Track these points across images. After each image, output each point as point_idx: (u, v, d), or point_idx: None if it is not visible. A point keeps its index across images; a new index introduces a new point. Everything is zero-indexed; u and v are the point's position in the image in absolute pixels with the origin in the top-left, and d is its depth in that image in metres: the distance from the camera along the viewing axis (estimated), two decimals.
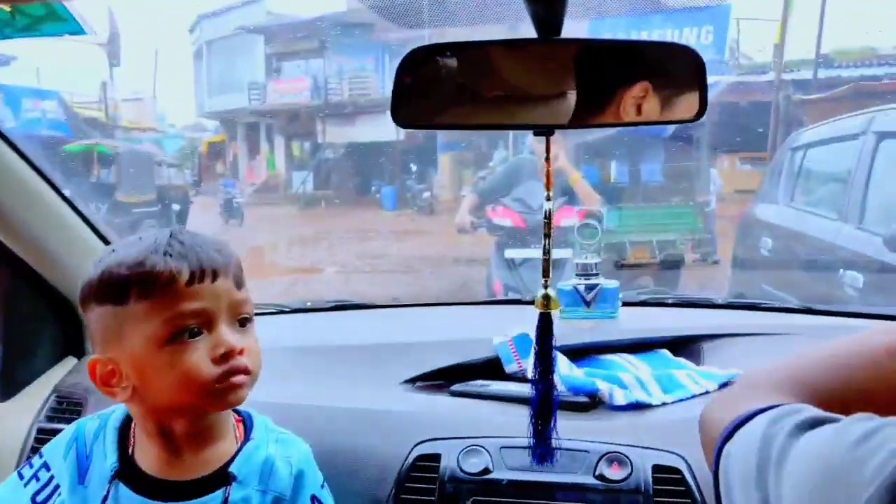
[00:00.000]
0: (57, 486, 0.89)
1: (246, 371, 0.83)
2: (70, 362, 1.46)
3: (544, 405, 0.94)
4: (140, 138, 14.57)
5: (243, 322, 0.85)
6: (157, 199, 10.00)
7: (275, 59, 17.77)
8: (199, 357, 0.80)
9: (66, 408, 1.33)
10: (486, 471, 1.05)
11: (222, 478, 0.87)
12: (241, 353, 0.82)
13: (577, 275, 1.45)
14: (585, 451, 1.04)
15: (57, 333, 1.46)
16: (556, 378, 1.20)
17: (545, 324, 0.95)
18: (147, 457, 0.88)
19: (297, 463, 0.93)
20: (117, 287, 0.81)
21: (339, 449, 1.13)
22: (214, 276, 0.82)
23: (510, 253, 4.15)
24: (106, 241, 1.45)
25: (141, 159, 10.60)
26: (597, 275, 1.44)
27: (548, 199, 0.90)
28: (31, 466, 0.92)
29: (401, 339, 1.43)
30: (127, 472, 0.87)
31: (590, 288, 1.42)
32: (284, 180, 17.63)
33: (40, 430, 1.30)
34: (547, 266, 0.92)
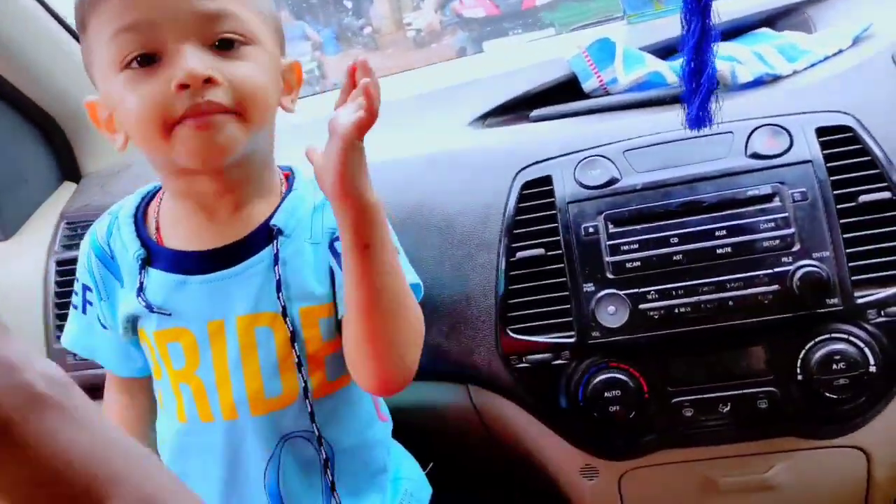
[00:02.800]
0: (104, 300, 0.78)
1: (221, 108, 0.63)
2: (69, 187, 1.23)
3: (700, 44, 0.71)
4: None
5: (226, 44, 0.65)
6: None
7: None
8: (151, 90, 0.62)
9: (80, 233, 1.12)
10: (614, 180, 0.87)
11: (267, 235, 0.72)
12: (209, 82, 0.62)
13: None
14: (728, 133, 0.86)
15: (48, 158, 1.23)
16: (663, 65, 1.02)
17: None
18: (177, 231, 0.74)
19: None
20: (77, 12, 0.68)
21: (425, 200, 0.95)
22: None
23: (489, 46, 3.85)
24: None
25: None
26: None
27: None
28: (78, 294, 0.81)
29: (457, 80, 1.20)
30: (157, 255, 0.73)
31: None
32: None
33: (60, 262, 1.10)
34: None
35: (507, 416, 0.91)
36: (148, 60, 0.63)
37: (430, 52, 5.92)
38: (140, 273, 0.73)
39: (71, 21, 1.17)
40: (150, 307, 0.72)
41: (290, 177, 0.79)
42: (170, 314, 0.72)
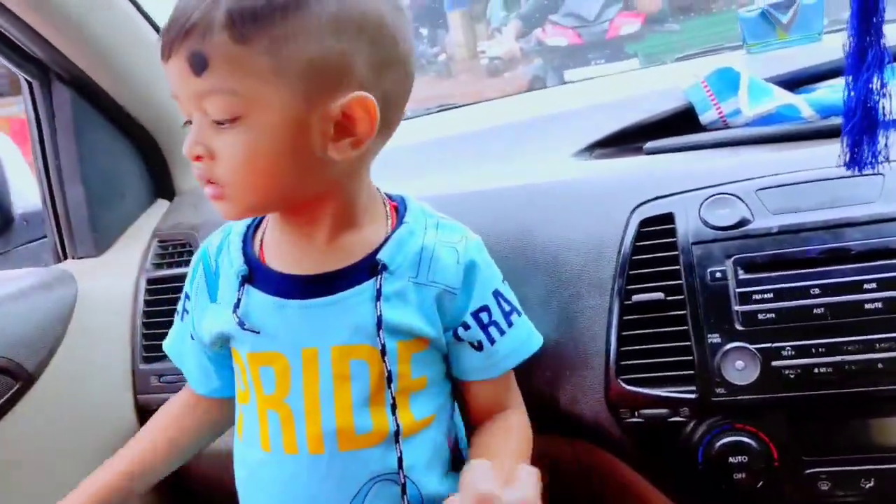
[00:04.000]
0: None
1: (210, 181, 0.64)
2: (162, 206, 1.22)
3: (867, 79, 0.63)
4: None
5: (220, 122, 0.61)
6: None
7: None
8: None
9: (172, 251, 1.11)
10: (745, 221, 0.80)
11: (370, 268, 0.69)
12: (198, 159, 0.63)
13: None
14: (879, 175, 0.77)
15: (144, 176, 1.22)
16: (796, 98, 0.94)
17: None
18: (279, 254, 0.72)
19: (466, 251, 0.72)
20: None
21: (529, 236, 0.89)
22: (167, 54, 0.61)
23: (571, 75, 3.80)
24: None
25: None
26: None
27: None
28: (181, 302, 0.81)
29: (558, 109, 1.15)
30: (258, 275, 0.72)
31: (784, 7, 1.10)
32: None
33: (150, 280, 1.09)
34: None
35: (615, 474, 0.83)
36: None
37: (503, 81, 5.91)
38: (239, 290, 0.71)
39: None
40: (241, 324, 0.70)
41: (398, 207, 0.75)
42: (258, 332, 0.70)
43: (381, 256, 0.69)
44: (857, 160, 0.64)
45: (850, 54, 0.65)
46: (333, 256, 0.70)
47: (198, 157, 0.63)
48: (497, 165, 1.06)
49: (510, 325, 0.74)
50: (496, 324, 0.73)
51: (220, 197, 0.64)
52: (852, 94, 0.65)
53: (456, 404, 0.79)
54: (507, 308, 0.74)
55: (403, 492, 0.69)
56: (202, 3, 0.58)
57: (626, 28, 3.41)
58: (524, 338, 0.76)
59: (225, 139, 0.61)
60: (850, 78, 0.64)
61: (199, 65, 0.59)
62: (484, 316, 0.72)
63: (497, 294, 0.74)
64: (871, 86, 0.63)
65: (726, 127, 1.00)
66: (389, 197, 0.76)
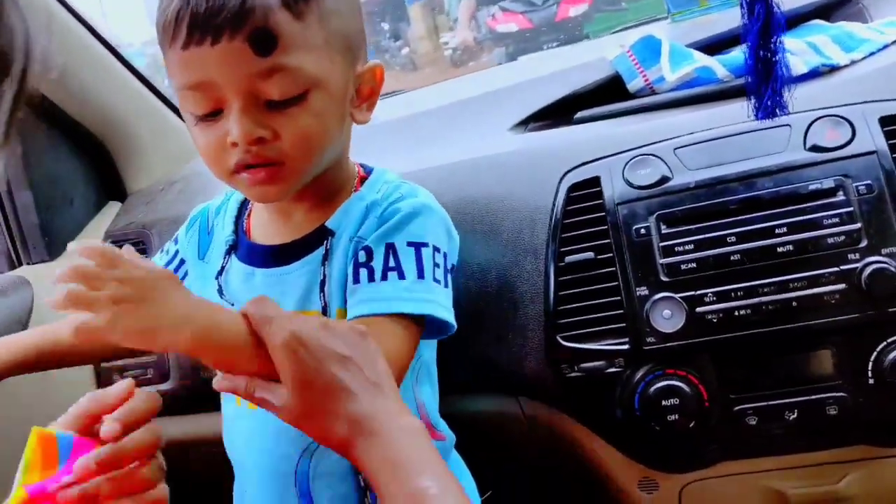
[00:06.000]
0: (182, 261, 0.83)
1: (269, 161, 0.64)
2: (114, 207, 1.24)
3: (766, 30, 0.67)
4: None
5: (278, 101, 0.63)
6: None
7: None
8: (211, 140, 0.65)
9: None
10: (665, 179, 0.84)
11: (321, 234, 0.73)
12: (258, 142, 0.63)
13: None
14: (786, 126, 0.82)
15: (93, 179, 1.24)
16: (712, 60, 0.99)
17: None
18: (259, 225, 0.78)
19: (391, 203, 0.73)
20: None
21: (467, 207, 0.93)
22: (216, 37, 0.59)
23: (523, 59, 3.83)
24: (141, 77, 1.22)
25: None
26: None
27: None
28: (168, 244, 0.87)
29: (494, 87, 1.18)
30: (241, 246, 0.77)
31: None
32: None
33: None
34: None
35: (560, 427, 0.88)
36: (212, 114, 0.65)
37: (468, 70, 5.94)
38: (224, 258, 0.77)
39: (113, 40, 1.19)
40: (220, 291, 0.75)
41: (365, 178, 0.78)
42: (233, 304, 0.73)
43: (328, 223, 0.73)
44: (767, 109, 0.68)
45: (746, 19, 0.70)
46: (302, 228, 0.74)
47: (259, 140, 0.63)
48: (437, 143, 1.09)
49: (384, 278, 0.68)
50: (371, 269, 0.69)
51: (274, 178, 0.65)
52: (755, 53, 0.69)
53: (429, 381, 0.80)
54: (392, 264, 0.69)
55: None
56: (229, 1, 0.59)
57: (575, 10, 3.44)
58: (385, 297, 0.68)
59: (287, 116, 0.63)
60: (749, 38, 0.69)
61: (267, 43, 0.60)
62: (362, 255, 0.70)
63: (390, 247, 0.70)
64: (772, 43, 0.68)
65: (653, 93, 1.04)
66: (363, 167, 0.79)
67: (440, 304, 0.70)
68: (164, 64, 0.66)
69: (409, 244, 0.70)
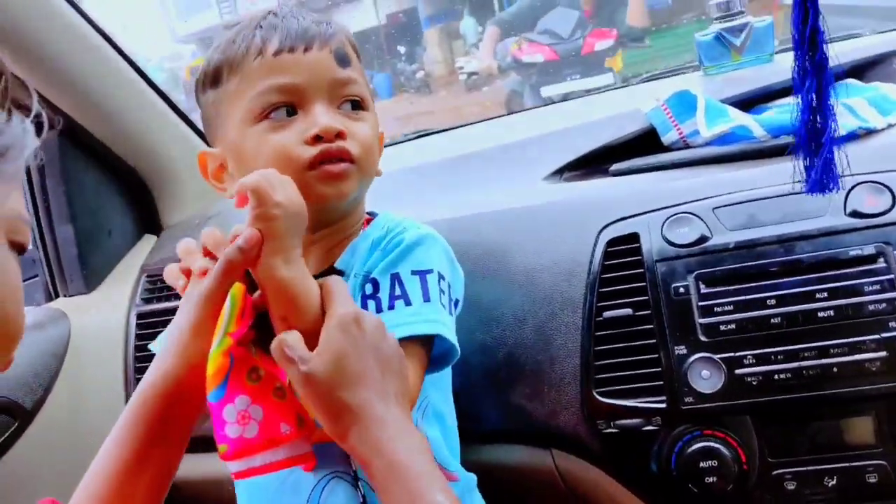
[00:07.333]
0: None
1: (346, 157, 0.72)
2: (149, 241, 1.26)
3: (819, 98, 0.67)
4: None
5: (350, 105, 0.75)
6: None
7: None
8: (288, 137, 0.72)
9: (161, 286, 1.14)
10: (704, 238, 0.85)
11: (333, 273, 0.75)
12: (339, 136, 0.72)
13: (715, 19, 1.19)
14: None
15: (130, 212, 1.26)
16: (748, 118, 1.00)
17: None
18: None
19: (394, 236, 0.76)
20: (212, 69, 0.77)
21: (504, 258, 0.94)
22: (308, 46, 0.73)
23: (547, 91, 3.86)
24: (180, 113, 1.24)
25: None
26: (743, 13, 1.17)
27: None
28: None
29: (529, 134, 1.19)
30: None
31: (737, 30, 1.16)
32: None
33: (140, 315, 1.12)
34: None
35: (594, 482, 0.87)
36: (288, 113, 0.72)
37: (482, 95, 6.00)
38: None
39: (155, 79, 1.22)
40: None
41: (370, 220, 0.82)
42: None
43: (337, 264, 0.76)
44: (817, 184, 0.68)
45: (795, 75, 0.70)
46: (312, 271, 0.74)
47: (339, 134, 0.71)
48: (471, 191, 1.10)
49: (391, 307, 0.71)
50: (378, 300, 0.72)
51: (349, 174, 0.72)
52: (806, 119, 0.69)
53: (439, 424, 0.80)
54: (398, 293, 0.71)
55: (356, 485, 0.72)
56: (324, 25, 0.75)
57: (600, 44, 3.48)
58: (393, 324, 0.69)
59: (355, 124, 0.74)
60: (799, 98, 0.69)
61: (345, 59, 0.75)
62: (368, 287, 0.73)
63: (395, 277, 0.73)
64: (814, 105, 0.68)
65: (687, 147, 1.05)
66: (368, 213, 0.82)
67: (446, 325, 0.72)
68: (239, 76, 0.73)
69: (414, 272, 0.73)
